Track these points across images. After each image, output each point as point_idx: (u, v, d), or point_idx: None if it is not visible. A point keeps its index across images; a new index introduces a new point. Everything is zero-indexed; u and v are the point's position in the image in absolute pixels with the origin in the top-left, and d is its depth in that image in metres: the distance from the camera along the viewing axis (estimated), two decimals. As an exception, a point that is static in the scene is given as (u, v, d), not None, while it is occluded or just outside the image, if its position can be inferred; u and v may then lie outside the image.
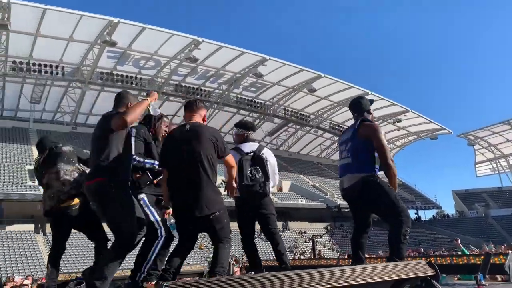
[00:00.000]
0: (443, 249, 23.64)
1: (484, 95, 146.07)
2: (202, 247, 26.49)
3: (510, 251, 3.41)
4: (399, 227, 2.99)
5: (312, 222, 38.97)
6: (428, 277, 2.23)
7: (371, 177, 3.15)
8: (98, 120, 3.07)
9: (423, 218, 51.10)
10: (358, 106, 3.56)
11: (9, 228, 25.49)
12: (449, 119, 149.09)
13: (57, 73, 29.92)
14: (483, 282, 2.56)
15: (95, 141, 2.99)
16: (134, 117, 2.91)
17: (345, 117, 42.91)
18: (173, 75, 33.36)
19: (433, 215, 52.31)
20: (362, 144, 3.25)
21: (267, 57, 31.88)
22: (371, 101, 3.68)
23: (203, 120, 3.17)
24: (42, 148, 3.94)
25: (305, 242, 33.49)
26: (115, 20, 25.99)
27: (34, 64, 28.92)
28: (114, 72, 31.97)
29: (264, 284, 1.60)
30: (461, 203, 50.82)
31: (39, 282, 7.90)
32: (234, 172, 3.20)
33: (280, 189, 38.57)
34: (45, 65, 29.25)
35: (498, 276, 3.16)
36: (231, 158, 3.09)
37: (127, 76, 32.38)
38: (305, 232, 36.10)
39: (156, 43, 28.85)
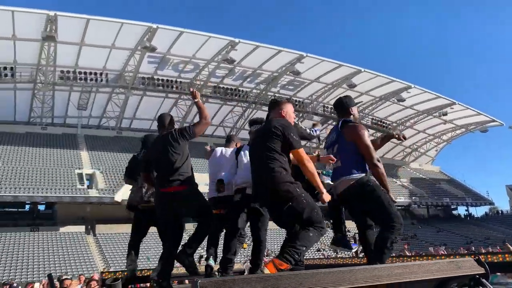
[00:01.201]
0: (498, 248, 22.34)
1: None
2: (245, 246, 26.61)
3: None
4: (389, 233, 2.92)
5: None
6: (477, 276, 2.05)
7: (366, 179, 3.09)
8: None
9: (474, 215, 48.85)
10: (340, 105, 3.47)
11: (62, 229, 26.91)
12: (500, 111, 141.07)
13: (102, 80, 31.26)
14: (541, 281, 2.32)
15: None
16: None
17: (387, 112, 41.73)
18: (211, 77, 33.87)
19: (485, 212, 49.98)
20: (349, 145, 3.19)
21: (304, 54, 31.59)
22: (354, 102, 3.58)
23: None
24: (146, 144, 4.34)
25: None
26: (154, 26, 26.76)
27: (80, 73, 30.42)
28: (155, 77, 32.94)
29: (301, 282, 1.55)
30: (516, 199, 48.02)
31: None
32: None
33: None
34: (90, 73, 30.69)
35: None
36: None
37: (167, 80, 33.30)
38: (349, 231, 35.43)
39: (194, 46, 29.41)
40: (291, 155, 2.98)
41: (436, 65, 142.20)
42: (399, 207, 42.19)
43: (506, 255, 2.98)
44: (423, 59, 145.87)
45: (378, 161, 3.10)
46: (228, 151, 4.15)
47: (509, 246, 7.70)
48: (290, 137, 2.90)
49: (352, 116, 3.38)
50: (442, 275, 1.87)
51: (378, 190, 3.02)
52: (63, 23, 25.06)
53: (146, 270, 5.11)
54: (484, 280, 2.06)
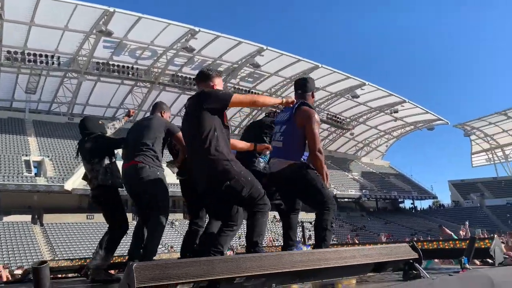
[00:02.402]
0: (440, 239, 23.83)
1: (480, 85, 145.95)
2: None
3: (496, 236, 3.46)
4: (326, 215, 2.95)
5: (308, 212, 39.15)
6: (411, 260, 2.25)
7: (299, 165, 3.06)
8: None
9: (419, 208, 51.59)
10: (303, 84, 3.36)
11: (6, 219, 25.54)
12: (446, 110, 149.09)
13: (53, 63, 29.68)
14: (467, 266, 2.59)
15: None
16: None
17: (342, 108, 42.88)
18: (169, 65, 33.19)
19: (429, 205, 52.80)
20: (295, 129, 3.12)
21: (265, 47, 31.71)
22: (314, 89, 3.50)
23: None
24: None
25: (301, 231, 33.69)
26: (111, 9, 25.78)
27: (29, 54, 28.68)
28: (111, 62, 31.75)
29: (237, 266, 1.59)
30: (457, 193, 51.23)
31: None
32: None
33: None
34: (40, 55, 28.98)
35: (477, 261, 3.19)
36: None
37: (123, 66, 32.20)
38: (300, 222, 36.30)
39: (152, 33, 28.66)
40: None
41: (389, 64, 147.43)
42: (350, 200, 43.79)
43: (440, 243, 3.25)
44: (377, 57, 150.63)
45: (320, 152, 3.06)
46: None
47: (445, 228, 8.29)
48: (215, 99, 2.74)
49: (311, 100, 3.31)
50: (379, 259, 2.06)
51: (312, 174, 3.02)
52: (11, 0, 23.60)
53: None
54: (417, 265, 2.26)
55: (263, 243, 2.84)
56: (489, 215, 45.00)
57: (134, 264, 1.33)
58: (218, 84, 2.99)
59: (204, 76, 2.99)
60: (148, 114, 3.89)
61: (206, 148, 2.66)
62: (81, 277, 3.75)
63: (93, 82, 33.23)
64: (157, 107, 3.83)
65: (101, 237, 3.71)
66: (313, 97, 3.32)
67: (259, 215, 2.70)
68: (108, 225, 3.76)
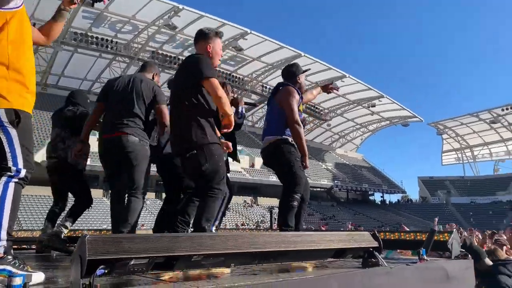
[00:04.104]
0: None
1: (456, 86, 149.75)
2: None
3: (455, 229, 3.57)
4: (290, 191, 3.10)
5: (279, 199, 39.61)
6: (371, 249, 2.29)
7: (279, 141, 3.18)
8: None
9: (388, 202, 52.98)
10: (286, 72, 3.51)
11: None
12: (421, 108, 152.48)
13: (28, 30, 28.47)
14: (425, 257, 2.66)
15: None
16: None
17: (321, 99, 42.88)
18: (150, 42, 32.43)
19: (398, 199, 54.28)
20: (276, 108, 3.26)
21: (248, 30, 31.40)
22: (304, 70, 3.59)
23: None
24: None
25: (274, 218, 34.07)
26: (92, -22, 24.86)
27: (2, 18, 27.44)
28: (89, 34, 30.70)
29: (198, 244, 1.58)
30: (425, 189, 52.83)
31: None
32: None
33: (252, 165, 38.87)
34: (15, 20, 27.78)
35: (434, 253, 3.29)
36: None
37: (102, 39, 31.16)
38: (273, 208, 36.65)
39: (135, 6, 27.86)
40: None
41: (370, 57, 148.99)
42: (322, 189, 44.49)
43: (402, 234, 3.34)
44: (359, 50, 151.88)
45: (298, 123, 3.13)
46: None
47: (404, 226, 8.60)
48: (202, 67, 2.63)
49: (298, 84, 3.41)
50: (340, 245, 2.09)
51: (286, 153, 3.13)
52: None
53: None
54: (376, 253, 2.30)
55: (212, 229, 2.74)
56: (453, 212, 46.67)
57: (87, 236, 1.30)
58: (217, 44, 2.89)
59: (201, 36, 2.88)
60: None
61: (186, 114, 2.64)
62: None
63: (70, 53, 32.13)
64: (149, 67, 3.49)
65: (53, 211, 3.71)
66: (300, 80, 3.42)
67: (211, 200, 2.58)
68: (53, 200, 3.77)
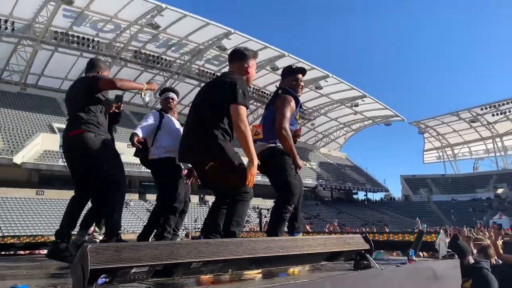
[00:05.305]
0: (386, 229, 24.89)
1: (437, 86, 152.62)
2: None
3: (442, 230, 3.66)
4: (283, 203, 3.09)
5: (265, 199, 39.64)
6: (363, 251, 2.33)
7: (274, 148, 3.17)
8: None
9: (372, 200, 53.61)
10: (283, 71, 3.51)
11: None
12: (403, 107, 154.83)
13: (6, 28, 27.80)
14: (414, 258, 2.72)
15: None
16: (124, 86, 3.16)
17: (305, 98, 43.15)
18: (132, 41, 32.04)
19: (381, 198, 54.97)
20: (272, 113, 3.25)
21: (232, 30, 31.36)
22: (302, 70, 3.55)
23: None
24: None
25: (257, 217, 34.11)
26: (73, -24, 24.46)
27: (-21, 16, 26.74)
28: (70, 33, 30.19)
29: (196, 251, 1.59)
30: (408, 188, 53.65)
31: None
32: None
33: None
34: (-8, 18, 27.11)
35: (421, 253, 3.37)
36: None
37: (83, 38, 30.68)
38: (258, 208, 36.70)
39: (116, 5, 27.51)
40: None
41: (353, 57, 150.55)
42: (306, 189, 44.73)
43: (391, 235, 3.40)
44: (342, 51, 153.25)
45: (285, 130, 3.10)
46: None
47: (386, 228, 8.78)
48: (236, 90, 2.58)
49: (295, 83, 3.40)
50: (334, 249, 2.12)
51: (280, 160, 3.12)
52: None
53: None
54: (367, 255, 2.35)
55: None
56: (435, 210, 47.58)
57: (89, 246, 1.29)
58: (254, 66, 2.91)
59: (239, 55, 2.89)
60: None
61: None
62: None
63: (50, 52, 31.50)
64: (93, 65, 3.45)
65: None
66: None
67: (240, 204, 2.61)
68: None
